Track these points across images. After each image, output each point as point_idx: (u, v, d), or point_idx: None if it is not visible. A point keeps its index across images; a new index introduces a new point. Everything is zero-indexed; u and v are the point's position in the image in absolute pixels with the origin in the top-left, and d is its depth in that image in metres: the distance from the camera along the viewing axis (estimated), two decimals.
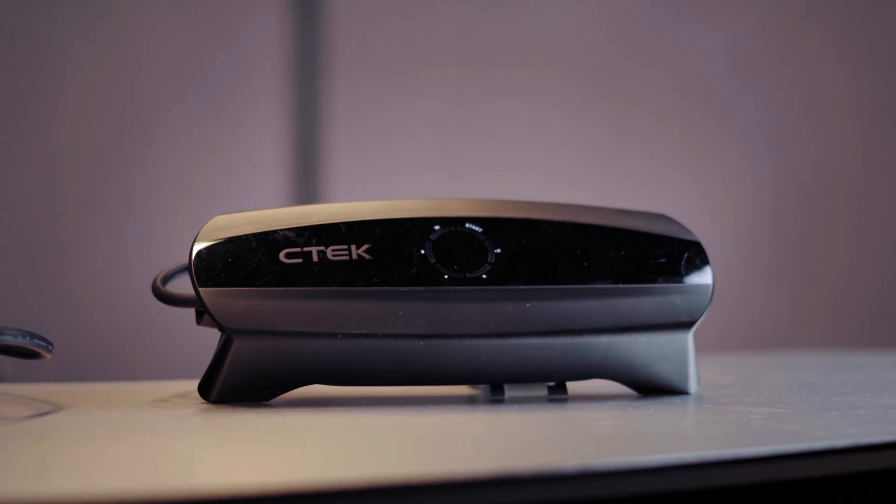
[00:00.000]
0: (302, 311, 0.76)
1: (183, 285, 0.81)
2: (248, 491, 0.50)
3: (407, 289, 0.76)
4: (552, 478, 0.53)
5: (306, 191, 2.05)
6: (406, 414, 0.72)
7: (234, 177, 2.05)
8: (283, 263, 0.76)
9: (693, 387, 0.81)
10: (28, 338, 0.72)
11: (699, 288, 0.80)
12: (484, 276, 0.78)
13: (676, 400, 0.78)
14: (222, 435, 0.66)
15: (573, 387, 0.83)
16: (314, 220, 0.78)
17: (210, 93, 2.03)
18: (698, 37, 2.16)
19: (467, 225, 0.79)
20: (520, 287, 0.78)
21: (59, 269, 1.93)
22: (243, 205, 1.94)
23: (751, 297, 2.15)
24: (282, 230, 0.77)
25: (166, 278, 0.83)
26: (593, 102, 2.15)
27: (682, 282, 0.80)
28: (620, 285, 0.79)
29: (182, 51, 2.02)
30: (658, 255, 0.80)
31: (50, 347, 0.73)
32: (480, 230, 0.79)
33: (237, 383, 0.76)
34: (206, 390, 0.77)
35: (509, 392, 0.80)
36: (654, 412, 0.72)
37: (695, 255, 0.81)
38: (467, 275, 0.78)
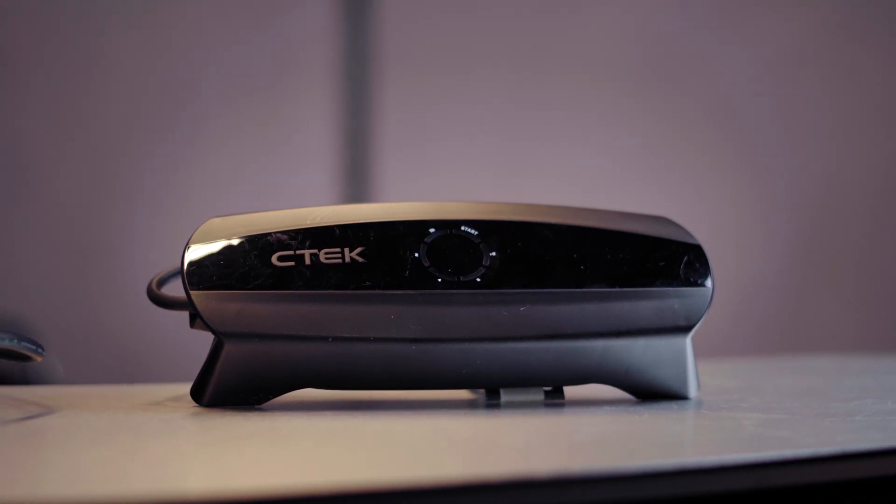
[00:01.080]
0: (293, 314, 0.75)
1: (179, 288, 0.80)
2: (228, 495, 0.49)
3: (399, 292, 0.76)
4: (522, 484, 0.52)
5: (355, 187, 2.05)
6: (394, 419, 0.71)
7: (283, 173, 2.05)
8: (276, 266, 0.76)
9: (693, 392, 0.80)
10: (16, 340, 0.71)
11: (698, 292, 0.79)
12: (478, 280, 0.77)
13: (674, 405, 0.77)
14: (208, 438, 0.66)
15: (571, 391, 0.82)
16: (308, 223, 0.77)
17: (260, 89, 2.04)
18: (730, 53, 2.15)
19: (463, 228, 0.78)
20: (514, 290, 0.77)
21: (104, 267, 1.94)
22: (292, 201, 1.94)
23: (781, 299, 2.13)
24: (275, 233, 0.77)
25: (162, 281, 0.83)
26: (633, 113, 2.14)
27: (680, 286, 0.79)
28: (617, 289, 0.78)
29: (232, 47, 2.03)
30: (656, 258, 0.79)
31: (39, 350, 0.73)
32: (476, 233, 0.78)
33: (229, 387, 0.76)
34: (198, 394, 0.76)
35: (505, 396, 0.79)
36: (647, 417, 0.71)
37: (695, 259, 0.80)
38: (461, 278, 0.77)
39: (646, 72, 2.13)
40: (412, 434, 0.65)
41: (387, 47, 2.07)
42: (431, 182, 2.09)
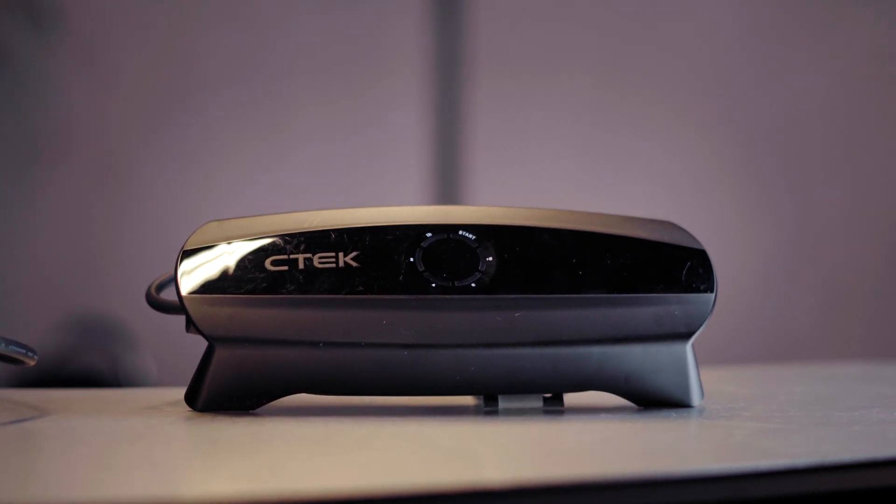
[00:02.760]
0: (284, 319, 0.74)
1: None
2: (207, 500, 0.49)
3: (392, 297, 0.75)
4: (478, 494, 0.51)
5: (446, 188, 2.05)
6: (384, 425, 0.70)
7: (374, 174, 2.06)
8: (269, 271, 0.75)
9: (696, 400, 0.78)
10: (3, 344, 0.71)
11: (700, 298, 0.78)
12: (473, 285, 0.76)
13: (673, 413, 0.75)
14: (190, 444, 0.65)
15: (574, 398, 0.81)
16: (304, 227, 0.77)
17: (351, 91, 2.05)
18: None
19: (461, 232, 0.77)
20: (508, 296, 0.76)
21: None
22: (382, 202, 1.94)
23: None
24: (270, 237, 0.76)
25: (162, 285, 0.83)
26: (714, 127, 2.12)
27: (681, 291, 0.77)
28: (615, 295, 0.77)
29: (324, 49, 2.04)
30: (658, 263, 0.78)
31: (30, 354, 0.73)
32: (474, 237, 0.77)
33: (221, 392, 0.75)
34: (192, 399, 0.76)
35: (503, 403, 0.78)
36: (638, 426, 0.70)
37: (698, 264, 0.78)
38: (456, 283, 0.76)
39: (735, 87, 2.11)
40: (398, 441, 0.64)
41: (478, 49, 2.06)
42: (520, 183, 2.08)
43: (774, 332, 2.10)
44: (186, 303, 0.75)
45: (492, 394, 0.78)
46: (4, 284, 2.00)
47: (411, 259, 0.76)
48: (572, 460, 0.59)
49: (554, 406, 0.78)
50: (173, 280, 0.77)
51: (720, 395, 0.85)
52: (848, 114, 2.15)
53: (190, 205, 2.02)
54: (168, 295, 0.82)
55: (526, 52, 2.10)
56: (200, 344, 0.76)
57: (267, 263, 0.75)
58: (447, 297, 0.75)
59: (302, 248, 0.76)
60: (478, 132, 2.07)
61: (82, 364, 1.96)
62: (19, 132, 2.00)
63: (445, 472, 0.55)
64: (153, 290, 0.82)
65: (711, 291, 0.78)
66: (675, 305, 0.77)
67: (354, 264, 0.75)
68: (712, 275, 0.78)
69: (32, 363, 0.74)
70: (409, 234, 0.77)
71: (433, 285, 0.75)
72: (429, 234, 0.77)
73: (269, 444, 0.63)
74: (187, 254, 0.76)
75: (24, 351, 0.73)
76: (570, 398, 0.82)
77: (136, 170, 2.02)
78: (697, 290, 0.78)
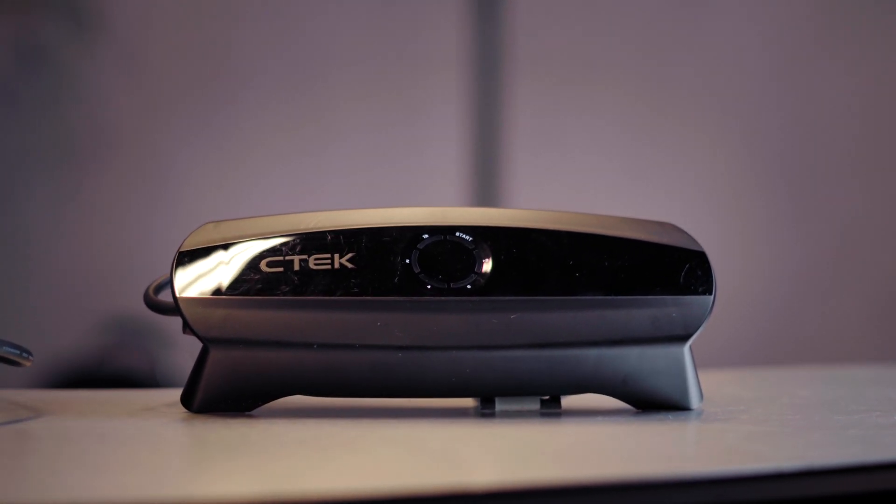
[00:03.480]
0: (278, 321, 0.74)
1: None
2: (194, 501, 0.49)
3: (386, 299, 0.75)
4: (457, 496, 0.51)
5: (484, 188, 2.05)
6: (377, 427, 0.70)
7: (413, 174, 2.06)
8: (264, 272, 0.75)
9: (695, 402, 0.77)
10: None
11: (698, 300, 0.77)
12: (468, 287, 0.75)
13: (669, 416, 0.75)
14: (178, 446, 0.65)
15: (572, 400, 0.81)
16: (301, 229, 0.76)
17: (391, 91, 2.05)
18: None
19: (458, 234, 0.77)
20: (504, 298, 0.75)
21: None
22: (418, 201, 1.94)
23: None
24: (266, 238, 0.76)
25: (160, 287, 0.83)
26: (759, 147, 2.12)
27: (679, 294, 0.77)
28: (611, 297, 0.76)
29: (363, 47, 2.04)
30: (656, 265, 0.77)
31: (24, 355, 0.73)
32: (471, 239, 0.77)
33: (216, 393, 0.75)
34: (187, 400, 0.76)
35: (500, 405, 0.78)
36: (632, 428, 0.70)
37: (697, 266, 0.78)
38: (451, 285, 0.75)
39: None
40: (386, 443, 0.64)
41: (517, 49, 2.06)
42: (558, 184, 2.08)
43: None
44: (181, 304, 0.75)
45: (487, 396, 0.77)
46: (45, 284, 2.01)
47: (407, 261, 0.76)
48: (552, 463, 0.59)
49: (551, 408, 0.78)
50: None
51: (722, 397, 0.85)
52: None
53: (230, 203, 2.02)
54: (167, 296, 0.82)
55: (564, 53, 2.09)
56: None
57: (262, 265, 0.75)
58: (442, 298, 0.75)
59: (298, 249, 0.76)
60: (516, 132, 2.07)
61: (121, 364, 1.97)
62: (60, 133, 2.01)
63: (427, 474, 0.55)
64: (151, 292, 0.82)
65: (710, 293, 0.77)
66: (672, 307, 0.76)
67: (350, 266, 0.75)
68: (711, 277, 0.78)
69: (28, 364, 0.74)
70: (406, 236, 0.76)
71: (428, 287, 0.75)
72: (425, 236, 0.76)
73: (255, 446, 0.63)
74: (183, 255, 0.76)
75: (17, 352, 0.73)
76: (569, 400, 0.81)
77: (176, 169, 2.03)
78: (696, 293, 0.77)
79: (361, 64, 2.06)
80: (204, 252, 0.76)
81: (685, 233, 0.79)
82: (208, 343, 0.75)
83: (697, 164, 2.12)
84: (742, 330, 2.02)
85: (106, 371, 1.93)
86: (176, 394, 0.77)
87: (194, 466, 0.59)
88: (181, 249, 0.76)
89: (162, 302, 0.80)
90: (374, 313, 0.75)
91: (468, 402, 0.82)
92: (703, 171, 2.12)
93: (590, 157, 2.10)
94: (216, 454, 0.61)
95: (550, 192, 2.08)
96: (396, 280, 0.75)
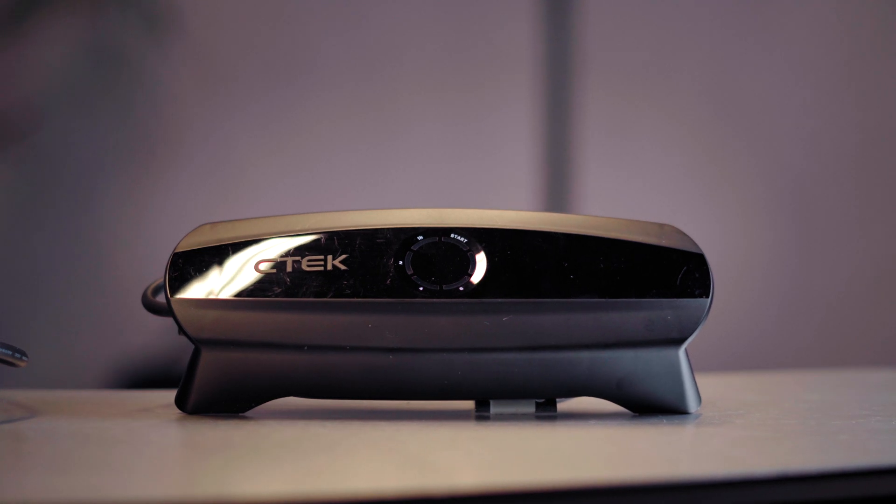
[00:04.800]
0: (269, 322, 0.74)
1: None
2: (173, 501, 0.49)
3: (377, 301, 0.74)
4: (419, 500, 0.51)
5: (554, 192, 2.05)
6: (359, 429, 0.70)
7: (483, 180, 2.06)
8: (257, 274, 0.75)
9: (692, 406, 0.77)
10: None
11: (694, 303, 0.76)
12: (461, 289, 0.75)
13: (664, 420, 0.74)
14: (166, 447, 0.65)
15: (569, 404, 0.80)
16: (294, 230, 0.76)
17: (461, 96, 2.06)
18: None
19: (452, 235, 0.77)
20: (496, 300, 0.75)
21: None
22: (487, 203, 1.95)
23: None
24: (260, 240, 0.76)
25: (158, 288, 0.83)
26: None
27: (675, 296, 0.76)
28: (605, 299, 0.75)
29: (433, 54, 2.04)
30: (652, 267, 0.76)
31: (16, 355, 0.74)
32: (465, 241, 0.76)
33: (209, 395, 0.75)
34: (181, 402, 0.76)
35: (495, 408, 0.77)
36: (622, 431, 0.69)
37: (694, 269, 0.77)
38: (444, 287, 0.75)
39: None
40: (366, 445, 0.64)
41: (587, 51, 2.06)
42: (633, 193, 2.07)
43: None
44: (173, 305, 0.75)
45: (479, 398, 0.77)
46: (119, 284, 2.02)
47: (400, 262, 0.75)
48: (532, 465, 0.58)
49: (546, 411, 0.78)
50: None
51: (725, 401, 0.84)
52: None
53: (303, 203, 2.03)
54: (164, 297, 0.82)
55: (637, 59, 2.08)
56: None
57: (256, 266, 0.75)
58: (433, 300, 0.75)
59: (291, 250, 0.76)
60: (587, 134, 2.06)
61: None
62: (134, 135, 2.02)
63: (394, 477, 0.55)
64: (149, 293, 0.82)
65: (707, 296, 0.76)
66: (667, 310, 0.76)
67: (343, 267, 0.75)
68: (709, 279, 0.77)
69: (23, 364, 0.75)
70: (400, 237, 0.76)
71: (420, 289, 0.75)
72: (420, 238, 0.76)
73: (235, 448, 0.63)
74: (178, 256, 0.76)
75: (10, 353, 0.73)
76: (568, 404, 0.81)
77: (248, 170, 2.04)
78: (692, 295, 0.76)
79: (432, 65, 2.06)
80: (198, 254, 0.76)
81: (685, 235, 0.79)
82: (200, 344, 0.75)
83: (759, 165, 2.10)
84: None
85: (177, 371, 1.94)
86: (170, 395, 0.77)
87: (169, 468, 0.59)
88: (176, 251, 0.76)
89: (159, 303, 0.81)
90: (365, 315, 0.74)
91: (467, 405, 0.82)
92: (760, 173, 2.10)
93: (659, 157, 2.09)
94: (191, 455, 0.61)
95: (620, 195, 2.07)
96: (389, 282, 0.75)
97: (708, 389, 0.89)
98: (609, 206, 2.05)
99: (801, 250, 2.09)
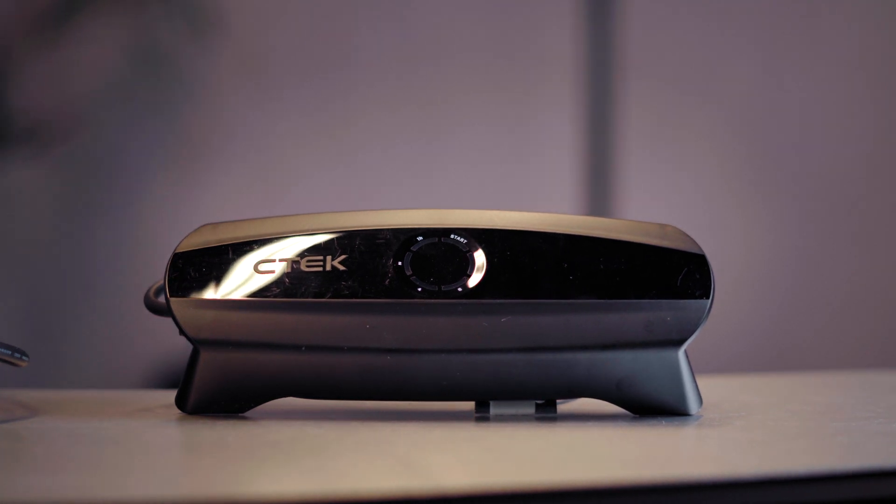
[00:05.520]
0: (266, 323, 0.74)
1: None
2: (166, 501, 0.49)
3: (375, 301, 0.74)
4: (399, 501, 0.51)
5: (596, 195, 2.05)
6: (353, 429, 0.70)
7: (525, 183, 2.06)
8: (255, 274, 0.75)
9: (693, 408, 0.76)
10: None
11: (694, 304, 0.76)
12: (459, 290, 0.75)
13: (663, 422, 0.74)
14: (159, 448, 0.66)
15: (572, 405, 0.80)
16: (294, 230, 0.76)
17: (503, 98, 2.06)
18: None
19: (452, 236, 0.76)
20: (494, 301, 0.75)
21: None
22: (533, 206, 1.95)
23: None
24: (260, 240, 0.76)
25: (160, 289, 0.83)
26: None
27: (675, 297, 0.76)
28: (604, 300, 0.75)
29: (475, 55, 2.05)
30: (652, 268, 0.76)
31: (16, 355, 0.74)
32: (465, 241, 0.76)
33: (209, 395, 0.75)
34: (181, 402, 0.76)
35: (494, 409, 0.77)
36: (612, 432, 0.69)
37: (695, 269, 0.76)
38: (442, 288, 0.75)
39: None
40: (357, 447, 0.64)
41: (628, 60, 2.05)
42: (675, 195, 2.07)
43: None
44: (172, 305, 0.75)
45: (478, 399, 0.77)
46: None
47: (399, 263, 0.75)
48: (520, 466, 0.58)
49: (546, 413, 0.77)
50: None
51: (728, 402, 0.84)
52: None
53: (349, 204, 2.03)
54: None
55: (680, 60, 2.08)
56: None
57: (255, 267, 0.75)
58: (432, 301, 0.75)
59: (291, 251, 0.76)
60: (628, 140, 2.05)
61: None
62: (178, 134, 2.03)
63: (378, 478, 0.55)
64: (151, 294, 0.82)
65: (707, 297, 0.76)
66: (667, 311, 0.75)
67: (341, 268, 0.75)
68: (710, 280, 0.76)
69: (23, 364, 0.75)
70: (400, 238, 0.76)
71: (419, 290, 0.75)
72: (419, 238, 0.76)
73: (226, 449, 0.63)
74: (178, 257, 0.76)
75: (9, 353, 0.74)
76: (571, 405, 0.81)
77: (294, 170, 2.05)
78: (692, 296, 0.76)
79: (475, 65, 2.06)
80: (198, 254, 0.76)
81: (686, 235, 0.78)
82: (198, 345, 0.75)
83: (802, 169, 2.09)
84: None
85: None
86: (170, 395, 0.77)
87: (163, 468, 0.59)
88: (176, 251, 0.76)
89: (160, 304, 0.81)
90: (363, 316, 0.74)
91: (468, 407, 0.81)
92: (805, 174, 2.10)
93: (701, 161, 2.08)
94: (183, 456, 0.62)
95: (661, 200, 2.07)
96: (387, 282, 0.75)
97: (712, 391, 0.89)
98: (650, 210, 2.05)
99: (825, 252, 2.08)
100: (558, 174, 2.06)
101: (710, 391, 0.88)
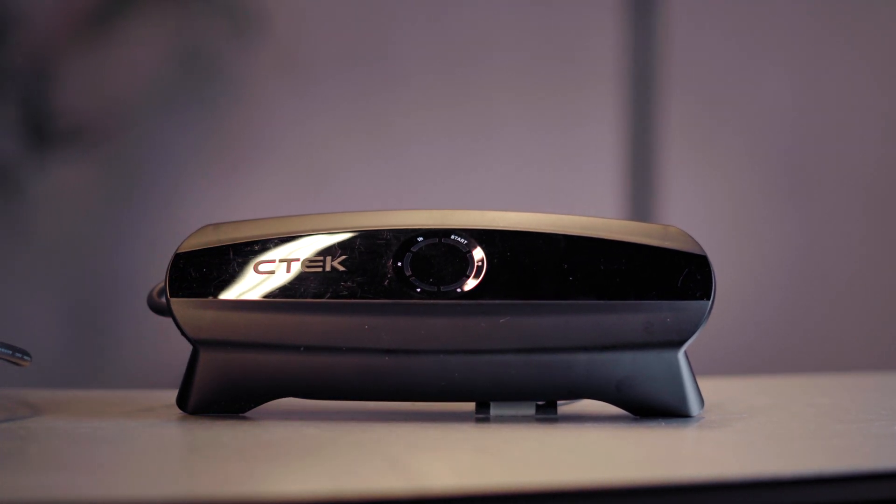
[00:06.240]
0: (265, 323, 0.75)
1: None
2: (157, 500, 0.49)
3: (374, 302, 0.75)
4: (381, 502, 0.51)
5: (639, 204, 2.04)
6: (348, 430, 0.70)
7: (567, 187, 2.06)
8: (255, 275, 0.75)
9: (694, 409, 0.76)
10: None
11: (693, 305, 0.75)
12: (458, 291, 0.75)
13: (662, 423, 0.73)
14: (152, 447, 0.66)
15: (575, 406, 0.80)
16: (296, 231, 0.77)
17: (546, 98, 2.06)
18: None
19: (453, 237, 0.76)
20: (493, 302, 0.75)
21: None
22: (574, 209, 1.95)
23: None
24: (261, 241, 0.76)
25: (163, 290, 0.83)
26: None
27: (675, 298, 0.75)
28: (603, 301, 0.75)
29: (518, 55, 2.05)
30: (652, 268, 0.76)
31: (17, 354, 0.74)
32: (465, 242, 0.76)
33: (209, 395, 0.76)
34: (182, 402, 0.77)
35: (495, 410, 0.77)
36: (606, 433, 0.69)
37: (696, 270, 0.76)
38: (442, 288, 0.75)
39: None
40: (349, 447, 0.64)
41: (672, 61, 2.05)
42: (719, 199, 2.06)
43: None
44: (172, 306, 0.75)
45: (477, 400, 0.77)
46: None
47: (399, 263, 0.75)
48: (506, 468, 0.58)
49: (546, 414, 0.77)
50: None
51: (732, 404, 0.83)
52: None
53: (393, 203, 2.03)
54: None
55: (723, 61, 2.07)
56: None
57: (255, 267, 0.76)
58: (430, 302, 0.75)
59: (291, 251, 0.76)
60: (670, 146, 2.05)
61: None
62: (223, 136, 2.03)
63: (364, 478, 0.55)
64: (154, 294, 0.82)
65: (708, 298, 0.76)
66: (667, 313, 0.75)
67: (341, 268, 0.75)
68: (711, 281, 0.76)
69: (26, 364, 0.76)
70: (400, 238, 0.76)
71: (417, 290, 0.75)
72: (420, 239, 0.76)
73: (220, 449, 0.63)
74: (179, 257, 0.77)
75: (10, 352, 0.74)
76: (574, 406, 0.81)
77: (342, 172, 2.05)
78: (693, 297, 0.75)
79: (513, 71, 2.06)
80: (198, 254, 0.76)
81: (689, 236, 0.78)
82: (197, 345, 0.75)
83: (846, 173, 2.08)
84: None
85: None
86: (173, 395, 0.78)
87: (159, 467, 0.59)
88: (177, 251, 0.77)
89: (162, 304, 0.81)
90: (361, 316, 0.74)
91: (469, 407, 0.81)
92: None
93: (743, 170, 2.07)
94: (179, 455, 0.62)
95: (704, 206, 2.06)
96: (386, 283, 0.75)
97: (719, 392, 0.89)
98: (692, 216, 2.04)
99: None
100: (600, 179, 2.06)
101: (715, 392, 0.88)
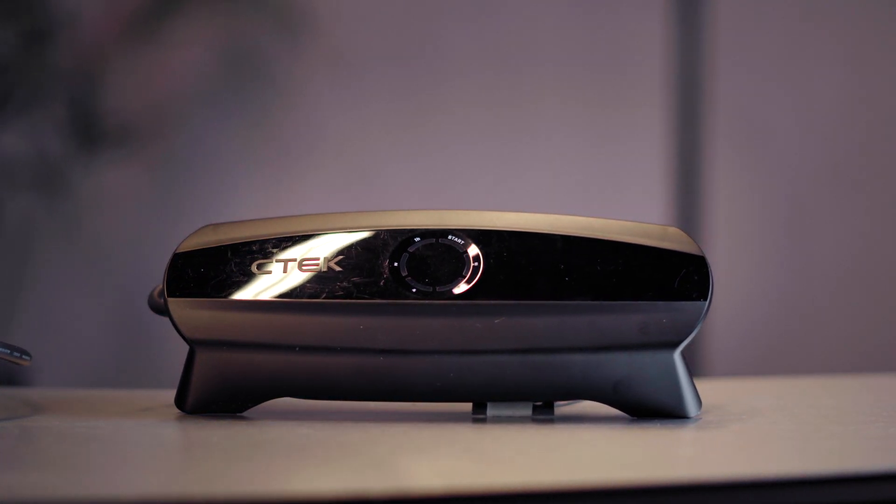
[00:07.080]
0: (261, 323, 0.75)
1: None
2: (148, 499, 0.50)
3: (369, 302, 0.75)
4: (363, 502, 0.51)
5: (685, 196, 2.04)
6: (343, 430, 0.70)
7: (613, 180, 2.06)
8: (252, 275, 0.76)
9: (692, 410, 0.76)
10: None
11: (690, 306, 0.75)
12: (454, 291, 0.75)
13: (658, 423, 0.73)
14: (148, 446, 0.66)
15: (573, 407, 0.80)
16: (293, 231, 0.77)
17: (591, 93, 2.06)
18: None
19: (450, 237, 0.77)
20: (488, 302, 0.75)
21: None
22: (618, 212, 1.95)
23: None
24: (259, 241, 0.77)
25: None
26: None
27: (672, 299, 0.75)
28: (599, 301, 0.75)
29: (563, 59, 2.05)
30: (649, 269, 0.76)
31: (16, 354, 0.75)
32: (462, 242, 0.76)
33: (206, 395, 0.76)
34: (180, 401, 0.77)
35: (491, 411, 0.77)
36: (601, 434, 0.69)
37: (694, 271, 0.76)
38: (437, 289, 0.75)
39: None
40: (338, 447, 0.64)
41: (719, 54, 2.04)
42: (764, 195, 2.05)
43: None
44: (169, 305, 0.76)
45: (473, 401, 0.77)
46: None
47: (395, 264, 0.75)
48: (499, 468, 0.58)
49: (543, 414, 0.77)
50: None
51: (733, 405, 0.83)
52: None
53: (433, 199, 2.04)
54: None
55: (772, 52, 2.06)
56: None
57: (252, 267, 0.76)
58: (425, 302, 0.75)
59: (288, 251, 0.76)
60: (721, 137, 2.04)
61: None
62: (271, 136, 2.04)
63: (346, 479, 0.55)
64: (155, 294, 0.83)
65: (704, 299, 0.75)
66: (663, 313, 0.75)
67: (337, 269, 0.76)
68: (708, 282, 0.76)
69: (26, 363, 0.76)
70: (397, 239, 0.76)
71: (413, 290, 0.75)
72: (417, 239, 0.76)
73: (209, 449, 0.64)
74: (178, 257, 0.77)
75: (9, 352, 0.75)
76: (571, 407, 0.81)
77: (386, 171, 2.05)
78: (689, 298, 0.75)
79: (560, 64, 2.05)
80: (197, 254, 0.77)
81: (688, 237, 0.78)
82: (193, 345, 0.76)
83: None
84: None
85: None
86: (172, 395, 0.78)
87: (155, 467, 0.60)
88: (176, 251, 0.77)
89: (161, 304, 0.81)
90: (357, 316, 0.75)
91: (467, 408, 0.81)
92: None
93: (789, 173, 2.06)
94: (169, 455, 0.62)
95: (748, 208, 2.05)
96: (382, 283, 0.75)
97: (721, 393, 0.89)
98: (736, 218, 2.03)
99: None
100: (645, 187, 2.05)
101: (716, 394, 0.88)
